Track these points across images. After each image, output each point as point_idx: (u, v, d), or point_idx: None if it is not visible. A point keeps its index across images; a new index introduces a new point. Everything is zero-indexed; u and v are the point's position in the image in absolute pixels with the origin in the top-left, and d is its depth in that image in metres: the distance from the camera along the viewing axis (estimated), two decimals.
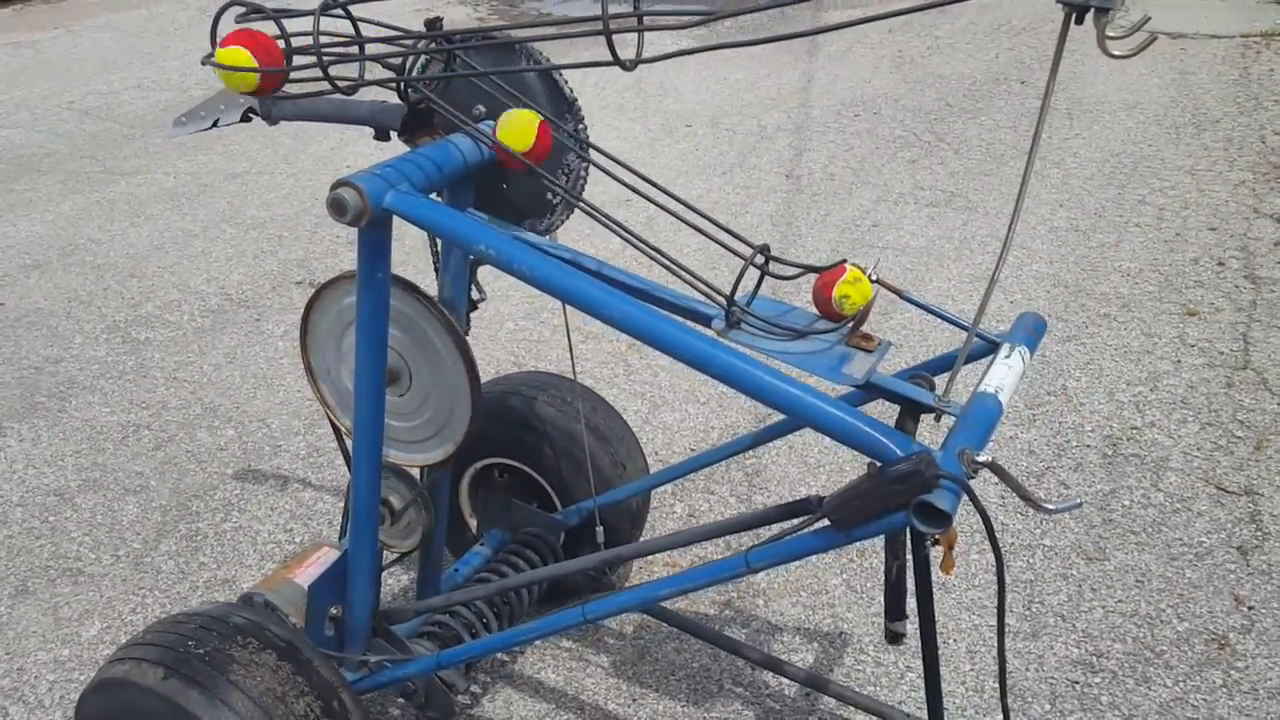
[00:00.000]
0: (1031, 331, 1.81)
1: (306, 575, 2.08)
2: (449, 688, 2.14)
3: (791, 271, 1.74)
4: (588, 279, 1.63)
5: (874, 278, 1.77)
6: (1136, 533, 2.93)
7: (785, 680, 2.46)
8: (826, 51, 8.06)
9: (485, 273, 2.14)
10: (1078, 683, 2.47)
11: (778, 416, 2.18)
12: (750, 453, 3.31)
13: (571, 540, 2.50)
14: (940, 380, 2.05)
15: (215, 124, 2.27)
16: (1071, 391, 3.62)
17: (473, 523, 2.65)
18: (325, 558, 2.12)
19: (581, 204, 1.84)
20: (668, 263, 1.69)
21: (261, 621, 1.87)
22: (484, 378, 2.66)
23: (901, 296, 1.86)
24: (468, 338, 2.14)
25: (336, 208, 1.67)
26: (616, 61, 1.47)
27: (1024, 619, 2.67)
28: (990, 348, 1.79)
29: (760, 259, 1.71)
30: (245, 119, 2.20)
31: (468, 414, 1.96)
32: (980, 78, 7.26)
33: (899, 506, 1.41)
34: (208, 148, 6.23)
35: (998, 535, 2.93)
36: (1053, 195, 5.26)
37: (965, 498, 1.41)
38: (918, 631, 1.85)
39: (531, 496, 2.56)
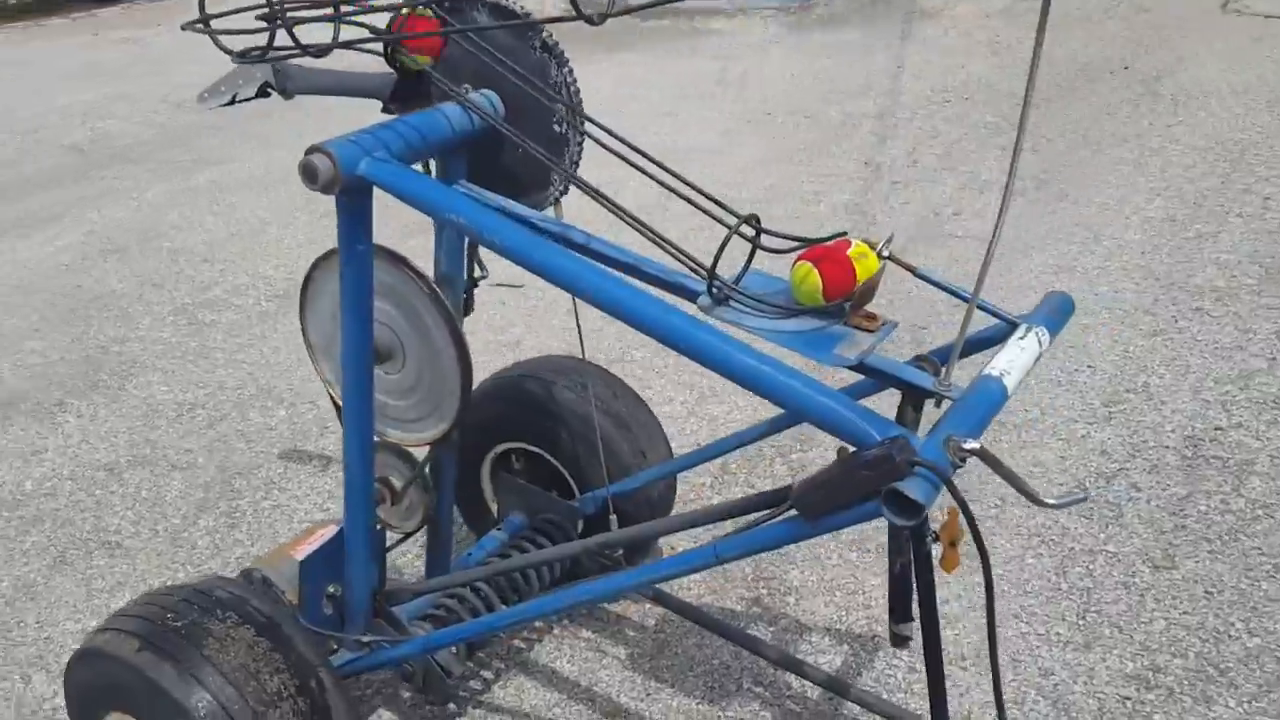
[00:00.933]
0: (1055, 312, 1.66)
1: (304, 552, 2.05)
2: (445, 672, 2.09)
3: (783, 244, 1.62)
4: (562, 251, 1.54)
5: (885, 254, 1.65)
6: (1210, 540, 2.71)
7: (808, 682, 2.33)
8: (920, 37, 7.81)
9: None
10: (1129, 699, 2.28)
11: None
12: (797, 447, 3.18)
13: (590, 528, 2.42)
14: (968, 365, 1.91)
15: (234, 99, 2.26)
16: (1153, 389, 3.38)
17: (495, 507, 2.60)
18: (325, 534, 2.08)
19: (575, 178, 1.75)
20: (650, 235, 1.59)
21: (244, 596, 1.84)
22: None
23: (914, 273, 1.73)
24: (468, 315, 2.09)
25: (307, 174, 1.62)
26: (580, 16, 1.39)
27: (1076, 628, 2.48)
28: (1010, 329, 1.65)
29: (749, 231, 1.60)
30: (263, 94, 2.17)
31: (459, 392, 1.90)
32: (1082, 62, 6.93)
33: (870, 495, 1.29)
34: (289, 143, 6.33)
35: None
36: (1150, 184, 4.96)
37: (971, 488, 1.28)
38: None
39: (553, 482, 2.49)
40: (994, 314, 1.68)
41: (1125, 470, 3.01)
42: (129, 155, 6.16)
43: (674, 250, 1.59)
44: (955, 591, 2.59)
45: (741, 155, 5.72)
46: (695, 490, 3.02)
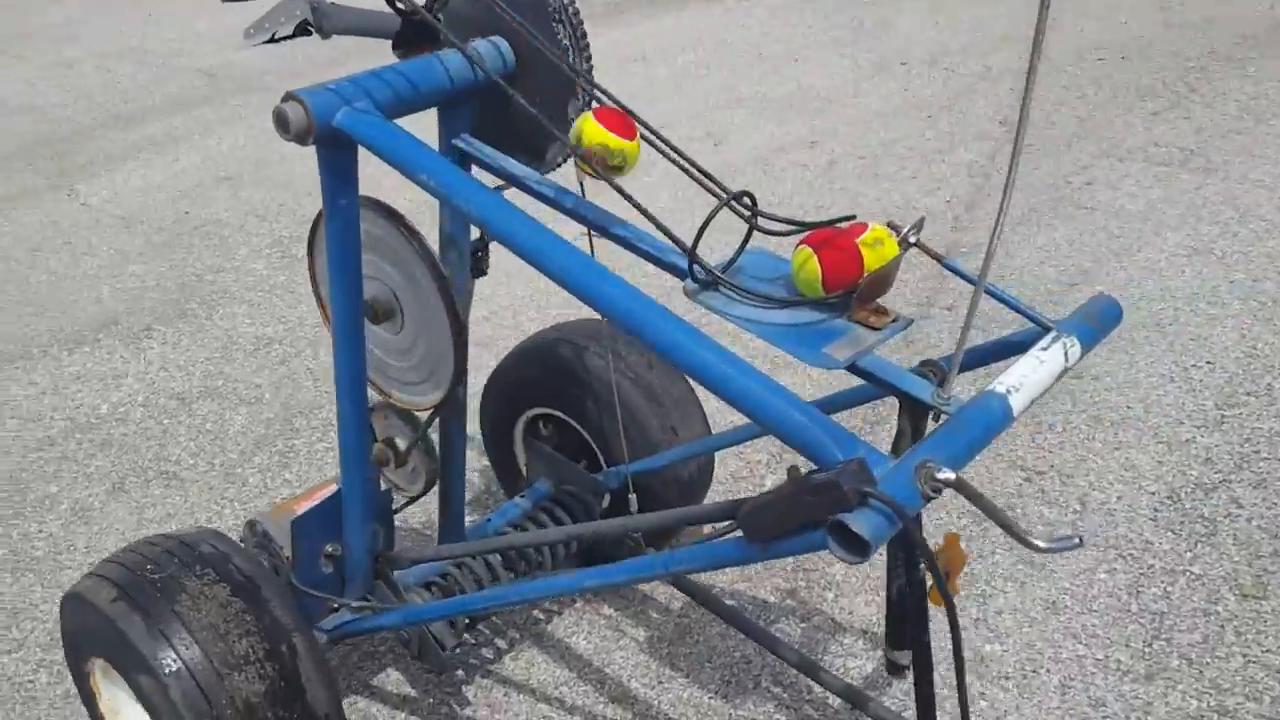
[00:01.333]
0: (1093, 320, 1.44)
1: (304, 508, 2.01)
2: (439, 644, 2.03)
3: (778, 227, 1.45)
4: (531, 223, 1.41)
5: (913, 239, 1.46)
6: None
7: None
8: None
9: None
10: None
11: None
12: (866, 429, 2.98)
13: (615, 502, 2.32)
14: (988, 372, 1.70)
15: (274, 37, 2.22)
16: (1277, 393, 3.03)
17: (526, 472, 2.52)
18: (325, 493, 2.04)
19: (564, 139, 1.61)
20: (634, 204, 1.45)
21: (228, 553, 1.81)
22: None
23: (941, 262, 1.54)
24: (480, 278, 1.99)
25: (279, 123, 1.54)
26: None
27: (1140, 657, 2.25)
28: (1040, 334, 1.44)
29: (737, 209, 1.44)
30: (302, 32, 2.13)
31: (452, 358, 1.81)
32: (1262, 23, 6.27)
33: (817, 524, 1.13)
34: None
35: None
36: None
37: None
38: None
39: (582, 452, 2.39)
40: (1025, 314, 1.48)
41: (1228, 483, 2.71)
42: (254, 83, 6.28)
43: (659, 225, 1.44)
44: (1012, 603, 2.39)
45: (864, 106, 5.42)
46: (750, 467, 2.88)
